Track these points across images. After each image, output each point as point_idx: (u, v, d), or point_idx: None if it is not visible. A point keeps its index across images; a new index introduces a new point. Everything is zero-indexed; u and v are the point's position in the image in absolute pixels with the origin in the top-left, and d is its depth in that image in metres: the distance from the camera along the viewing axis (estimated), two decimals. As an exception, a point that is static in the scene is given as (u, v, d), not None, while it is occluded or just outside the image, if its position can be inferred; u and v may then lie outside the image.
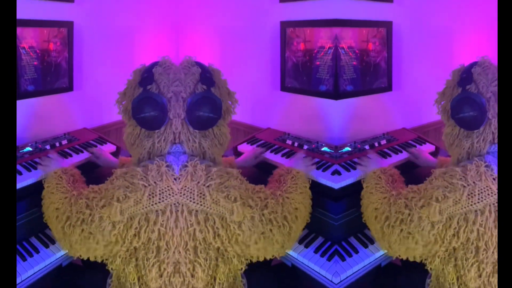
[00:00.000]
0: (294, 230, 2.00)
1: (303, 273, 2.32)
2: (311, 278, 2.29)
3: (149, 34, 3.41)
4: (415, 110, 3.16)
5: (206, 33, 3.45)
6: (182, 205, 1.86)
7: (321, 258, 2.32)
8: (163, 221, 1.85)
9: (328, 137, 2.80)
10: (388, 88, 3.01)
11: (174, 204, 1.86)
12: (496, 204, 1.86)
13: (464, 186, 1.90)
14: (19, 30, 2.66)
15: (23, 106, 2.70)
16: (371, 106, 2.99)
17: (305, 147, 2.75)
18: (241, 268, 1.98)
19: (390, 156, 2.69)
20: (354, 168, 2.50)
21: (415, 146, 2.81)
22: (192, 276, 1.88)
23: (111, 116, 3.19)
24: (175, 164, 1.91)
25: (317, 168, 2.50)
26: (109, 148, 2.86)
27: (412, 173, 2.57)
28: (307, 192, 2.19)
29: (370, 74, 2.92)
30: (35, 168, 2.42)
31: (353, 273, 2.25)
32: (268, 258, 1.99)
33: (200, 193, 1.86)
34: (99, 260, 1.94)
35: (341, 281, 2.22)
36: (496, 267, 1.88)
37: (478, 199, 1.87)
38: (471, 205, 1.88)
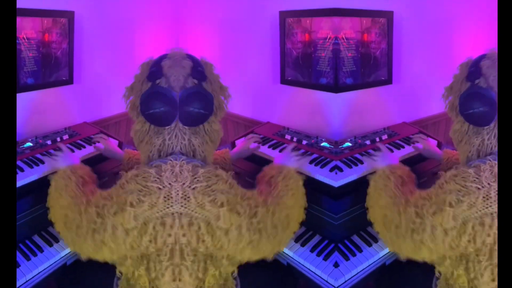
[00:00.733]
0: (284, 238, 1.93)
1: (298, 272, 2.28)
2: (306, 277, 2.26)
3: (149, 26, 3.39)
4: (415, 104, 3.15)
5: (205, 24, 3.43)
6: None
7: (317, 257, 2.28)
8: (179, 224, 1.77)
9: (328, 131, 2.78)
10: (388, 81, 2.99)
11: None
12: None
13: (479, 189, 1.80)
14: (18, 20, 2.59)
15: (22, 100, 2.66)
16: (371, 100, 2.97)
17: (304, 142, 2.73)
18: (233, 271, 1.91)
19: (392, 152, 2.65)
20: (356, 165, 2.48)
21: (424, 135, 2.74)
22: (180, 280, 1.81)
23: (110, 110, 3.18)
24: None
25: (316, 165, 2.48)
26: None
27: (415, 169, 2.55)
28: (300, 191, 2.09)
29: (370, 67, 2.89)
30: (37, 164, 2.40)
31: (357, 273, 2.23)
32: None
33: (184, 195, 1.78)
34: (110, 262, 1.88)
35: (344, 282, 2.20)
36: None
37: (495, 201, 1.77)
38: (487, 207, 1.78)
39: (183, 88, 1.86)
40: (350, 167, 2.49)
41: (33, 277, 2.12)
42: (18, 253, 2.20)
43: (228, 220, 1.78)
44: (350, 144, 2.68)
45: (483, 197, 1.79)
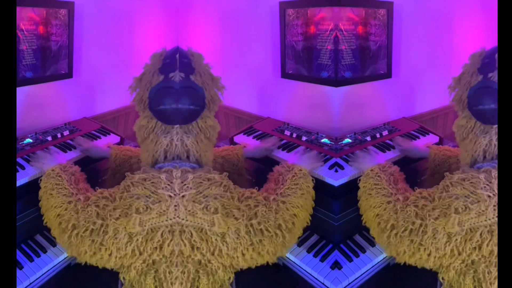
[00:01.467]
0: (288, 240, 1.82)
1: (294, 273, 2.21)
2: (301, 279, 2.18)
3: (149, 18, 3.35)
4: (414, 98, 3.12)
5: (205, 17, 3.39)
6: None
7: (314, 258, 2.18)
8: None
9: (328, 127, 2.74)
10: (388, 75, 2.94)
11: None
12: None
13: (490, 197, 1.69)
14: (17, 10, 2.51)
15: (21, 94, 2.63)
16: (370, 94, 2.94)
17: (304, 138, 2.68)
18: (229, 278, 1.79)
19: (394, 148, 2.61)
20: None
21: (414, 138, 2.69)
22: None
23: (109, 105, 3.15)
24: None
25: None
26: (112, 139, 2.80)
27: (414, 167, 2.53)
28: (310, 193, 1.98)
29: (369, 60, 2.85)
30: (38, 163, 2.37)
31: (361, 275, 2.16)
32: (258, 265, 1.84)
33: (174, 204, 1.69)
34: (110, 269, 1.80)
35: (348, 284, 2.12)
36: None
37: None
38: (497, 216, 1.66)
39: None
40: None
41: (36, 279, 2.06)
42: (20, 254, 2.16)
43: (223, 225, 1.69)
44: (350, 140, 2.64)
45: (494, 205, 1.68)
